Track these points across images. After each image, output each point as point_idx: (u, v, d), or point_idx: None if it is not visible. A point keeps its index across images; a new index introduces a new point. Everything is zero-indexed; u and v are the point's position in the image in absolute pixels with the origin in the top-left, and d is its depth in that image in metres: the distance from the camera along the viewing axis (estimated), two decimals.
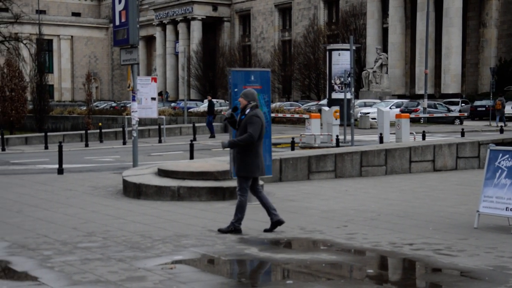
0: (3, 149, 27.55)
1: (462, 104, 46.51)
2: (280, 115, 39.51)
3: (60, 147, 17.30)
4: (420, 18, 52.61)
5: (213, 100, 34.88)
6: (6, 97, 40.71)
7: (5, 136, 29.73)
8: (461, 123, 38.61)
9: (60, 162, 16.85)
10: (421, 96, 45.97)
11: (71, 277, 6.70)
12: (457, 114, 40.37)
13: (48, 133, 30.45)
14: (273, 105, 44.97)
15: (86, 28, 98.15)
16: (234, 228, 8.99)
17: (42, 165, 20.64)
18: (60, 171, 16.62)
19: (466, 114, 40.89)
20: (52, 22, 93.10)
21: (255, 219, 10.03)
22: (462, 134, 24.45)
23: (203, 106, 52.82)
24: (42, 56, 48.55)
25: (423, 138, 23.83)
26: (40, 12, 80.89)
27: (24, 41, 50.82)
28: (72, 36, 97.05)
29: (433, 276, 7.02)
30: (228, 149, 9.87)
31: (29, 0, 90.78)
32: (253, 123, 8.84)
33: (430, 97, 47.78)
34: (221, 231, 9.01)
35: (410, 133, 24.88)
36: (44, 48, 59.13)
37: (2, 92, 41.19)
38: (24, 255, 7.72)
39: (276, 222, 9.07)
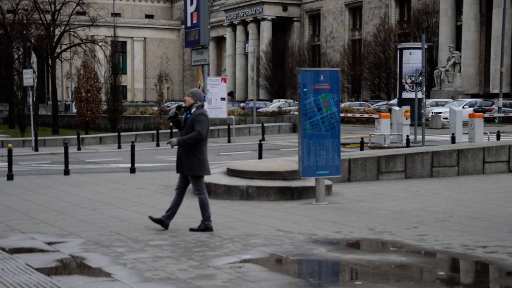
0: (79, 149, 28.43)
1: None
2: (349, 115, 39.21)
3: (133, 147, 17.71)
4: (496, 15, 51.10)
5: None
6: (82, 98, 41.94)
7: (81, 136, 30.68)
8: None
9: (133, 162, 17.25)
10: (496, 95, 44.67)
11: (143, 274, 6.85)
12: None
13: (121, 133, 31.22)
14: (342, 105, 44.63)
15: (158, 29, 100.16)
16: (205, 227, 9.10)
17: (115, 164, 21.19)
18: (133, 170, 17.02)
19: None
20: (126, 24, 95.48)
21: (323, 219, 10.00)
22: None
23: (272, 106, 52.99)
24: (116, 58, 49.77)
25: (498, 138, 23.17)
26: (115, 15, 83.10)
27: (100, 43, 52.23)
28: (145, 38, 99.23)
29: (507, 280, 6.82)
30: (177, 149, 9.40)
31: (105, 4, 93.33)
32: (201, 121, 8.94)
33: (506, 96, 46.33)
34: (193, 230, 9.12)
35: (484, 133, 24.24)
36: (118, 50, 60.68)
37: (79, 93, 42.47)
38: (98, 251, 7.95)
39: (160, 221, 9.14)
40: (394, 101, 42.51)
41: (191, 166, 9.00)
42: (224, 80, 28.48)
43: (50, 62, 51.11)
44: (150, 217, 9.29)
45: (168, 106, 65.47)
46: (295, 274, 7.14)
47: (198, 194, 9.15)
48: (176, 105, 9.74)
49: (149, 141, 33.53)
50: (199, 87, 15.76)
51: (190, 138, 8.89)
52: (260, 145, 18.85)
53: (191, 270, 6.98)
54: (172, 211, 9.25)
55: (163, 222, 9.21)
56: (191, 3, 15.07)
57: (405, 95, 35.73)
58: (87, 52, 49.69)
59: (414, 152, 15.25)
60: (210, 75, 62.69)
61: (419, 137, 24.23)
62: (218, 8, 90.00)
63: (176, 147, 9.13)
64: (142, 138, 34.40)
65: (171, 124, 9.25)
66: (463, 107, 37.04)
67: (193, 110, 9.07)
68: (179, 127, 9.29)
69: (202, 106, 9.16)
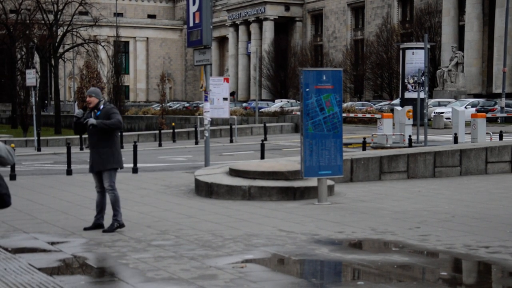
0: (81, 149, 28.47)
1: None
2: (351, 115, 39.17)
3: (135, 147, 17.73)
4: (498, 15, 51.05)
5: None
6: (85, 98, 42.04)
7: (83, 136, 30.69)
8: None
9: (135, 162, 17.26)
10: (498, 95, 44.63)
11: (145, 274, 6.86)
12: None
13: (124, 133, 31.26)
14: (344, 105, 44.61)
15: (161, 29, 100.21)
16: (118, 224, 9.13)
17: None
18: (135, 170, 17.03)
19: None
20: (128, 24, 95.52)
21: (325, 219, 10.00)
22: None
23: (274, 106, 52.98)
24: (119, 58, 49.92)
25: (500, 138, 23.14)
26: (118, 15, 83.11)
27: (102, 43, 52.30)
28: (147, 38, 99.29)
29: (510, 281, 6.82)
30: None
31: (107, 4, 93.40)
32: (116, 113, 9.02)
33: (508, 96, 46.25)
34: (106, 231, 9.08)
35: (487, 133, 24.21)
36: (121, 50, 60.64)
37: (81, 93, 42.58)
38: (100, 251, 7.96)
39: (98, 225, 9.26)
40: (397, 101, 42.49)
41: (111, 159, 9.03)
42: (227, 80, 28.48)
43: (53, 62, 51.18)
44: (85, 228, 9.27)
45: (171, 106, 65.56)
46: (297, 274, 7.14)
47: (111, 190, 9.12)
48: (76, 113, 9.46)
49: (151, 141, 33.55)
50: (201, 87, 15.73)
51: (111, 123, 8.93)
52: (263, 145, 18.85)
53: (193, 270, 6.98)
54: (100, 210, 9.31)
55: (100, 225, 9.28)
56: (194, 3, 15.05)
57: (408, 95, 35.71)
58: (89, 52, 49.78)
59: (416, 152, 15.23)
60: (212, 75, 62.73)
61: (422, 137, 24.21)
62: (220, 8, 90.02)
63: (91, 147, 9.17)
64: (144, 138, 34.42)
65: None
66: (465, 107, 37.00)
67: (101, 106, 9.16)
68: (84, 130, 9.34)
69: (107, 101, 9.26)
